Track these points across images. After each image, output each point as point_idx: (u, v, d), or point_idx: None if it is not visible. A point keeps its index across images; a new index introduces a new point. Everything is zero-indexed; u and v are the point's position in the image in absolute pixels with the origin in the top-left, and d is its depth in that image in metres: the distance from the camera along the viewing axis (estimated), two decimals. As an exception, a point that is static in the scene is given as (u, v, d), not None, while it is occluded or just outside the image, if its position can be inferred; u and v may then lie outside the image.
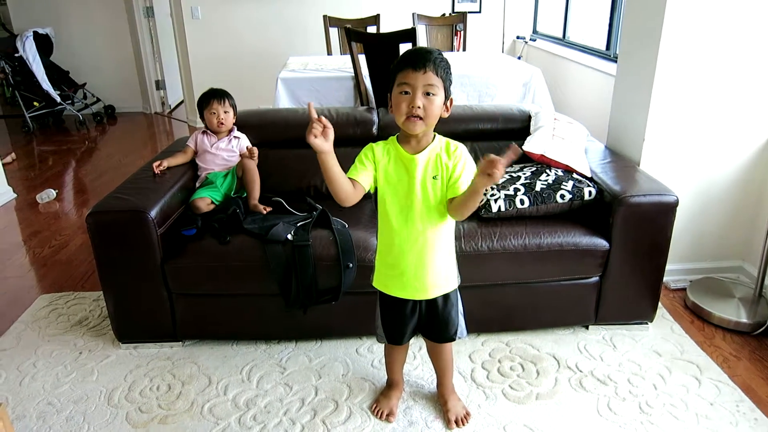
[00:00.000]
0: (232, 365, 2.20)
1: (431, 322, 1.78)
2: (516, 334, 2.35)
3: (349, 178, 1.58)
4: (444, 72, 1.50)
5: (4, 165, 4.21)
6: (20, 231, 3.64)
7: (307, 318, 2.22)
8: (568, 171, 2.37)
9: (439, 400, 1.98)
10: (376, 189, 1.65)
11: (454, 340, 1.83)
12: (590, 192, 2.26)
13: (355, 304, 2.20)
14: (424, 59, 1.47)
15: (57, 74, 6.31)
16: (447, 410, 1.92)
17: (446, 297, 1.74)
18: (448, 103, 1.55)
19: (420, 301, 1.74)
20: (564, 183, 2.27)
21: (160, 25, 6.71)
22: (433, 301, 1.73)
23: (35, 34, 5.98)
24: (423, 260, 1.64)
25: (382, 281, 1.75)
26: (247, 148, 2.55)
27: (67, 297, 2.73)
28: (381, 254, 1.73)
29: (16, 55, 5.85)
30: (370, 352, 2.26)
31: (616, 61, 4.39)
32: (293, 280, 2.10)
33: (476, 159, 2.65)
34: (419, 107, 1.47)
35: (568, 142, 2.50)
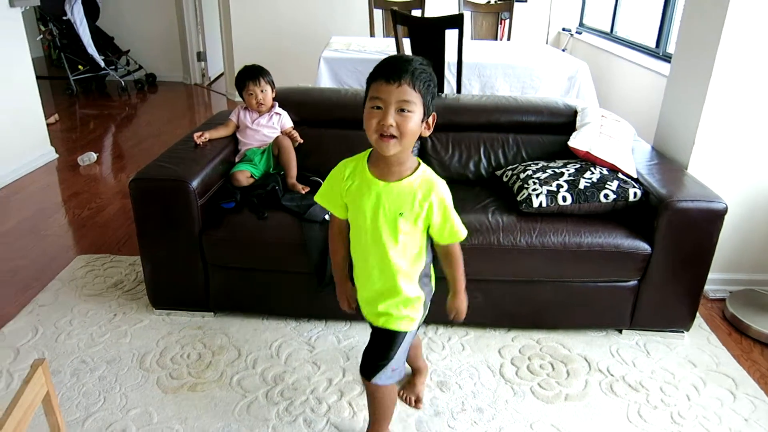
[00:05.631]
0: (261, 340, 2.22)
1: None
2: (547, 332, 2.32)
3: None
4: (424, 85, 1.29)
5: (47, 125, 4.28)
6: (60, 191, 3.72)
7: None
8: (614, 170, 2.31)
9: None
10: None
11: (376, 377, 1.54)
12: (635, 193, 2.21)
13: (387, 289, 2.20)
14: (399, 71, 1.26)
15: (102, 39, 6.38)
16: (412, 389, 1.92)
17: (388, 334, 1.54)
18: (430, 121, 1.35)
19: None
20: (609, 182, 2.22)
21: (205, -5, 6.73)
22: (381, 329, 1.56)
23: (83, -3, 6.05)
24: (379, 299, 1.51)
25: (359, 300, 1.65)
26: (289, 129, 2.55)
27: (104, 259, 2.79)
28: (355, 271, 1.60)
29: (64, 18, 5.92)
30: (399, 338, 2.26)
31: (665, 60, 4.30)
32: (328, 260, 2.10)
33: (518, 153, 2.65)
34: (391, 125, 1.27)
35: (615, 141, 2.44)
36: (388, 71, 1.28)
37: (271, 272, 2.25)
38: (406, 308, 1.51)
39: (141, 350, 2.15)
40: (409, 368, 1.94)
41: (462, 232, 1.47)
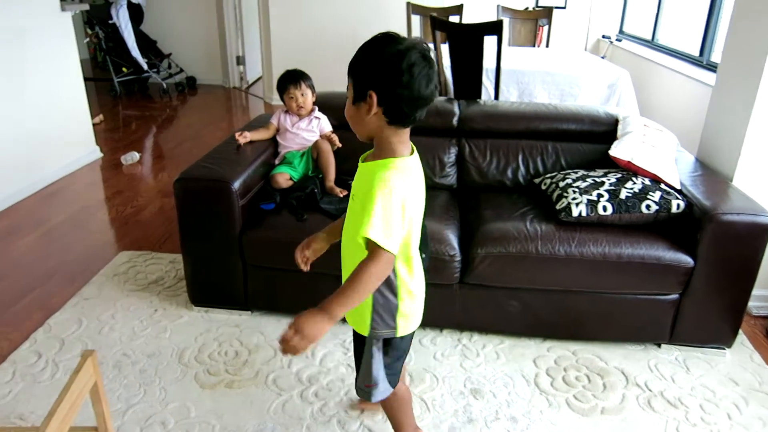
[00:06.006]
0: (297, 340, 2.24)
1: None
2: (584, 343, 2.29)
3: None
4: (351, 68, 1.27)
5: (93, 125, 4.41)
6: (104, 189, 3.83)
7: (374, 303, 2.23)
8: (656, 181, 2.28)
9: None
10: None
11: (362, 396, 1.54)
12: (678, 205, 2.17)
13: (423, 294, 2.21)
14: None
15: (146, 43, 6.55)
16: None
17: (360, 338, 1.48)
18: (368, 102, 1.23)
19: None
20: (651, 193, 2.19)
21: (245, 1, 6.85)
22: (355, 333, 1.51)
23: (129, 2, 6.21)
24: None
25: None
26: (328, 133, 2.58)
27: (146, 256, 2.86)
28: None
29: (110, 21, 6.10)
30: (433, 344, 2.26)
31: (709, 69, 4.21)
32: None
33: (557, 161, 2.63)
34: (345, 115, 1.32)
35: (657, 151, 2.41)
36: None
37: (308, 273, 2.26)
38: (363, 308, 1.40)
39: (180, 345, 2.20)
40: None
41: (371, 231, 1.21)
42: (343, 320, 1.43)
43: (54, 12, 3.83)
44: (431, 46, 3.77)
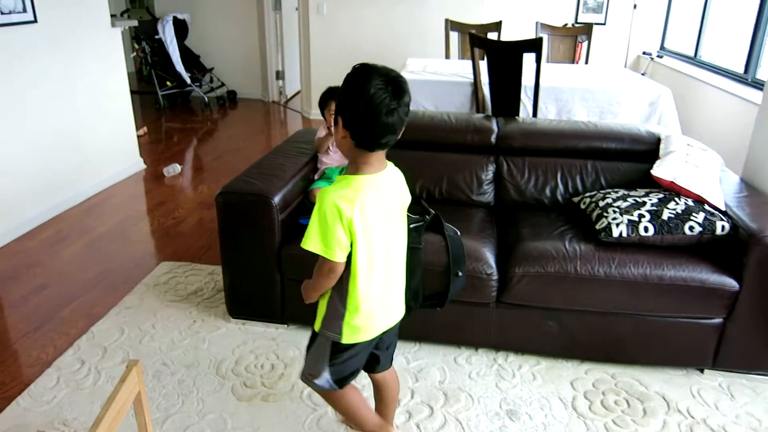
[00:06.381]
0: (332, 355, 2.26)
1: None
2: (623, 367, 2.24)
3: None
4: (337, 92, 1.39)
5: (137, 137, 4.55)
6: (147, 200, 3.93)
7: (409, 319, 2.22)
8: (700, 201, 2.23)
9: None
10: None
11: (305, 381, 1.67)
12: (723, 227, 2.11)
13: (459, 312, 2.20)
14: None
15: (189, 57, 6.74)
16: None
17: (313, 331, 1.61)
18: (339, 125, 1.36)
19: None
20: (694, 214, 2.14)
21: (286, 18, 6.99)
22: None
23: (174, 18, 6.41)
24: None
25: None
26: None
27: (186, 267, 2.92)
28: None
29: (156, 37, 6.30)
30: (468, 363, 2.24)
31: (755, 86, 4.11)
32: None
33: (597, 180, 2.60)
34: None
35: (701, 171, 2.36)
36: None
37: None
38: (320, 308, 1.57)
39: (218, 357, 2.23)
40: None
41: (309, 243, 1.39)
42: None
43: (105, 28, 3.98)
44: (468, 62, 3.78)
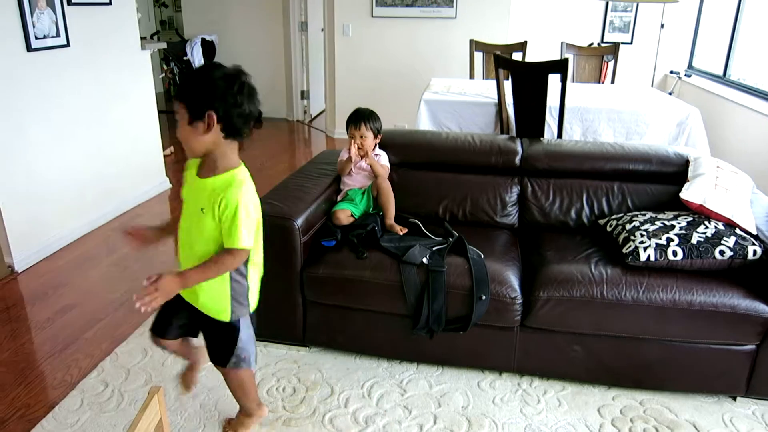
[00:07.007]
0: (354, 379, 2.24)
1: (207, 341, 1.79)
2: (652, 393, 2.18)
3: None
4: (185, 93, 1.49)
5: (164, 156, 4.63)
6: (171, 220, 3.97)
7: (432, 343, 2.21)
8: (730, 225, 2.17)
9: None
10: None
11: (237, 365, 1.76)
12: (755, 251, 2.06)
13: (482, 336, 2.17)
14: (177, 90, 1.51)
15: (216, 78, 6.85)
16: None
17: (218, 325, 1.70)
18: (205, 122, 1.47)
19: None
20: (725, 238, 2.09)
21: (311, 38, 7.08)
22: (206, 318, 1.70)
23: (203, 40, 6.55)
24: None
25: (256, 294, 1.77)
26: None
27: (209, 288, 2.93)
28: (255, 269, 1.73)
29: (185, 58, 6.44)
30: (492, 387, 2.20)
31: (788, 107, 4.02)
32: (424, 304, 2.10)
33: (623, 202, 2.55)
34: (179, 137, 1.51)
35: (732, 194, 2.30)
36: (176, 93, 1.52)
37: (366, 312, 2.28)
38: (220, 298, 1.66)
39: (240, 379, 2.23)
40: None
41: (241, 242, 1.53)
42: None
43: (134, 51, 4.08)
44: (492, 82, 3.78)
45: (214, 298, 1.66)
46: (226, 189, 1.51)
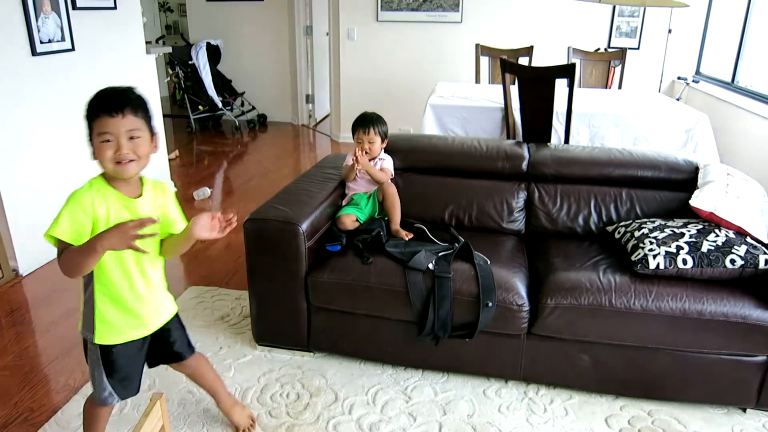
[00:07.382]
0: (358, 385, 2.22)
1: (169, 345, 1.78)
2: (660, 404, 2.15)
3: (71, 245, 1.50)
4: (143, 111, 1.47)
5: (169, 160, 4.62)
6: (177, 223, 3.96)
7: (437, 350, 2.19)
8: (741, 234, 2.15)
9: (226, 417, 1.99)
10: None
11: (193, 350, 1.85)
12: (767, 260, 2.03)
13: (488, 343, 2.15)
14: (120, 104, 1.41)
15: (221, 81, 6.86)
16: (235, 424, 1.97)
17: (175, 319, 1.78)
18: (155, 140, 1.52)
19: (150, 335, 1.70)
20: (736, 247, 2.06)
21: (317, 43, 7.09)
22: (166, 326, 1.74)
23: (208, 44, 6.55)
24: (153, 294, 1.65)
25: (115, 332, 1.61)
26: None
27: (213, 292, 2.92)
28: (113, 306, 1.60)
29: (190, 62, 6.44)
30: (498, 395, 2.18)
31: (797, 114, 3.98)
32: (430, 310, 2.08)
33: (632, 209, 2.53)
34: (128, 153, 1.43)
35: (742, 202, 2.27)
36: (108, 106, 1.40)
37: (371, 317, 2.25)
38: (166, 296, 1.76)
39: (243, 385, 2.21)
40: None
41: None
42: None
43: (140, 55, 4.08)
44: (498, 87, 3.76)
45: (164, 297, 1.73)
46: (161, 187, 1.63)
